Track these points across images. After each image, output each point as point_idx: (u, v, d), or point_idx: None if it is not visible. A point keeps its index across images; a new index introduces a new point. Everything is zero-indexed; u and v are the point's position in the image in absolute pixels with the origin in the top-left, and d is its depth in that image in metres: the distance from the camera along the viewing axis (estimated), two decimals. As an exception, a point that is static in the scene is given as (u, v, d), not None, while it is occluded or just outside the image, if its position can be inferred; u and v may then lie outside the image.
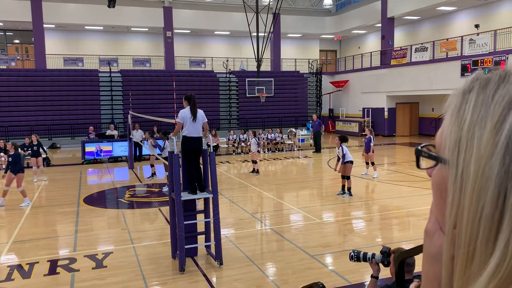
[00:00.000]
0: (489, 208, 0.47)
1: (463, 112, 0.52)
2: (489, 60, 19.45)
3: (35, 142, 14.54)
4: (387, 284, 3.40)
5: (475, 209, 0.48)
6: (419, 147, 0.58)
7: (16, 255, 7.54)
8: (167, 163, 11.95)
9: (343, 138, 11.24)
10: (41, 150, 14.96)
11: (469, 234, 0.49)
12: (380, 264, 2.75)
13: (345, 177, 11.21)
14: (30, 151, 17.14)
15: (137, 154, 18.55)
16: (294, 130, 22.69)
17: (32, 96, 24.22)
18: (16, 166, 10.95)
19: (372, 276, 2.97)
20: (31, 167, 14.93)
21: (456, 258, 0.51)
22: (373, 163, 13.72)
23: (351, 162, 11.22)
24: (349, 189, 11.20)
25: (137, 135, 17.09)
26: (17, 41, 30.68)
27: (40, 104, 24.22)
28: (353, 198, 11.08)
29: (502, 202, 0.47)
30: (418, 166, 0.59)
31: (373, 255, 2.71)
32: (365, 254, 2.73)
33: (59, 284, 6.28)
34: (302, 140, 22.81)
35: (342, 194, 11.32)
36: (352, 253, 2.78)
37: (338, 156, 11.36)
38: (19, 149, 12.05)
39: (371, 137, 13.72)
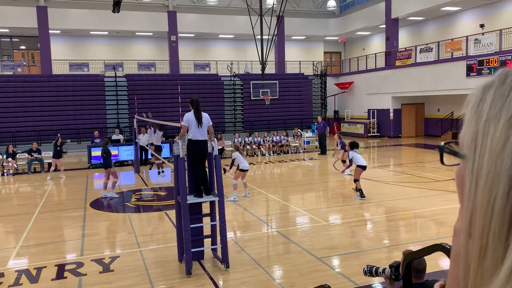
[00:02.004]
0: (500, 201, 0.48)
1: (481, 107, 0.52)
2: (495, 60, 19.33)
3: (59, 143, 15.82)
4: None
5: (487, 203, 0.49)
6: (443, 144, 0.59)
7: (24, 260, 7.58)
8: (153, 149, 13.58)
9: (352, 144, 11.51)
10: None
11: (481, 228, 0.50)
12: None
13: (356, 180, 11.33)
14: (37, 155, 17.37)
15: (143, 158, 18.59)
16: (300, 130, 22.66)
17: (38, 102, 24.37)
18: (105, 161, 11.98)
19: None
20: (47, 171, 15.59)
21: (471, 253, 0.52)
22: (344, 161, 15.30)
23: (361, 167, 11.24)
24: (360, 190, 11.24)
25: (143, 139, 17.14)
26: (23, 47, 30.92)
27: (46, 109, 24.36)
28: (360, 200, 11.04)
29: None
30: (442, 162, 0.60)
31: (384, 269, 2.84)
32: (377, 268, 2.92)
33: (67, 289, 6.31)
34: (308, 142, 22.79)
35: (360, 197, 11.22)
36: (366, 268, 2.98)
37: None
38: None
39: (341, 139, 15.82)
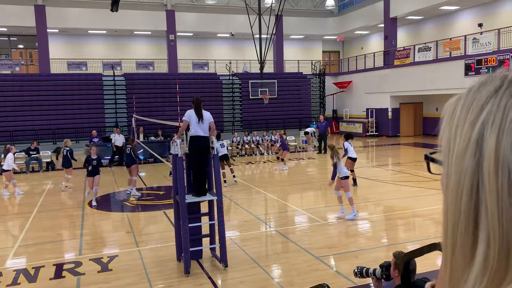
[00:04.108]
0: (465, 199, 0.51)
1: (455, 114, 0.56)
2: (493, 59, 19.35)
3: (94, 156, 11.34)
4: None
5: (456, 201, 0.53)
6: (428, 153, 0.62)
7: (22, 259, 7.57)
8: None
9: (347, 135, 12.51)
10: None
11: (452, 226, 0.53)
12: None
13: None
14: (35, 154, 17.22)
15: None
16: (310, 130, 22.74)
17: (36, 101, 24.33)
18: (127, 159, 12.47)
19: None
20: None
21: (446, 251, 0.55)
22: (282, 159, 16.44)
23: (351, 159, 12.11)
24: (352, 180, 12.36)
25: (120, 139, 17.18)
26: (21, 46, 30.84)
27: (45, 109, 24.32)
28: (358, 199, 11.04)
29: (475, 194, 0.50)
30: (429, 171, 0.64)
31: (374, 270, 2.82)
32: (367, 269, 2.91)
33: (65, 288, 6.30)
34: (305, 141, 22.81)
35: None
36: (356, 270, 2.95)
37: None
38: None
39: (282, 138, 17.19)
